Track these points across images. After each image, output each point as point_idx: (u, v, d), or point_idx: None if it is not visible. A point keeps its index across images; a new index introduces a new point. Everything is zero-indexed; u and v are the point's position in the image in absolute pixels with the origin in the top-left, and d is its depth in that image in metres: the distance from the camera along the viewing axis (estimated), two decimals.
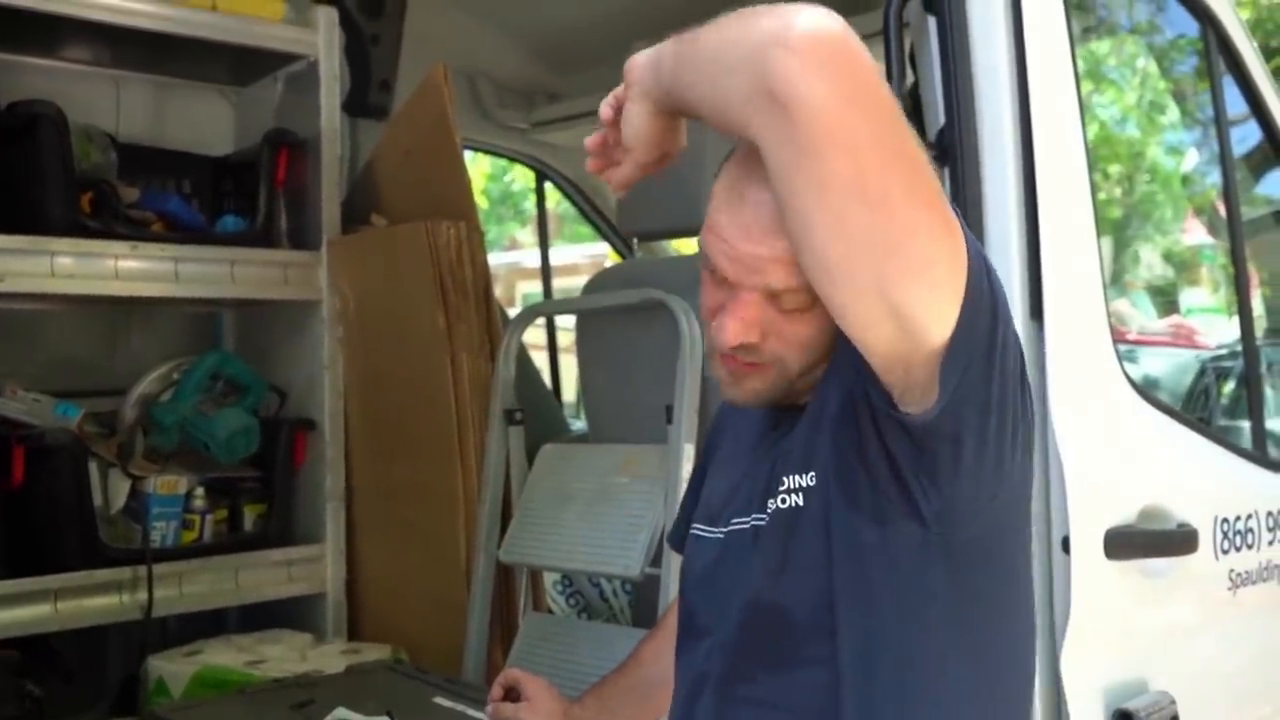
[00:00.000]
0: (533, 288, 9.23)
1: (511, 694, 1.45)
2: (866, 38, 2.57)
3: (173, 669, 2.13)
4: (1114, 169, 7.27)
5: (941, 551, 1.04)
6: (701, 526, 1.24)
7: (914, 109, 1.62)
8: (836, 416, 1.06)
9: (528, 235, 11.59)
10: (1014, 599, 1.12)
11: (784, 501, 1.09)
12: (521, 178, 9.96)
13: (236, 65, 2.61)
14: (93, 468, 2.26)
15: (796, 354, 1.09)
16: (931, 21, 1.59)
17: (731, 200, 1.06)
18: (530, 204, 10.29)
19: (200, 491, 2.41)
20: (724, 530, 1.17)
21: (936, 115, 1.59)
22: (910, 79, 1.64)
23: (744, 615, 1.11)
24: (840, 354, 1.05)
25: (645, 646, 1.45)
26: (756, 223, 1.03)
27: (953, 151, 1.56)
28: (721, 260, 1.06)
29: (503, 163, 9.08)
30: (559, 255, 5.78)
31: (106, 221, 2.27)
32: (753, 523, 1.12)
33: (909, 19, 1.62)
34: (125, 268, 2.25)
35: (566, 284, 4.95)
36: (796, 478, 1.08)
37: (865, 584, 1.04)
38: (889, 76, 1.57)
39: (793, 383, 1.11)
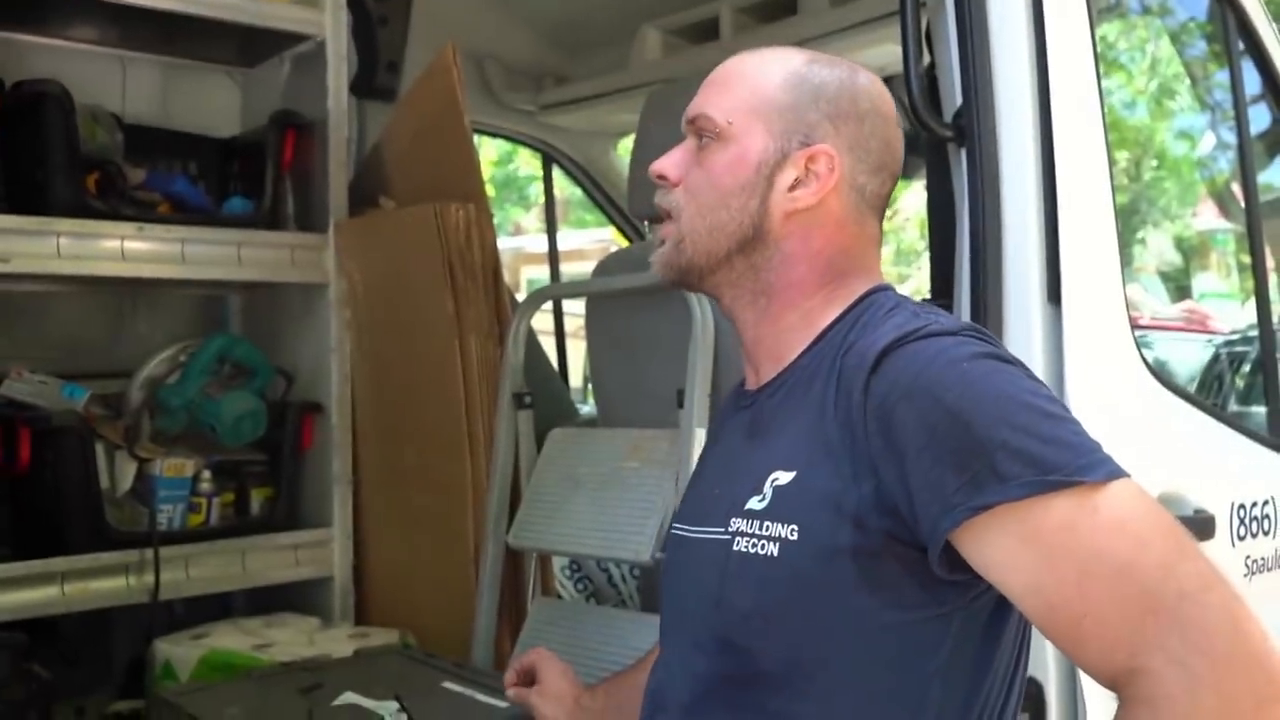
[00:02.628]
0: (537, 273, 9.23)
1: (531, 678, 1.44)
2: (882, 17, 2.54)
3: (180, 652, 2.12)
4: (1122, 154, 7.24)
5: (959, 618, 1.03)
6: (678, 526, 1.23)
7: (930, 90, 1.60)
8: (850, 497, 1.01)
9: (531, 220, 11.58)
10: (1006, 632, 1.08)
11: (755, 546, 1.05)
12: (526, 164, 9.95)
13: (243, 46, 2.59)
14: (99, 450, 2.25)
15: (688, 204, 1.15)
16: (949, 0, 1.57)
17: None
18: (534, 189, 10.34)
19: (207, 474, 2.40)
20: (695, 533, 1.16)
21: (954, 96, 1.57)
22: (927, 59, 1.62)
23: (715, 650, 1.09)
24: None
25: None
26: (720, 73, 1.18)
27: (970, 133, 1.54)
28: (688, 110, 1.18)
29: (508, 148, 9.10)
30: (564, 240, 5.77)
31: (112, 202, 2.26)
32: (720, 537, 1.09)
33: None
34: (131, 249, 2.23)
35: (572, 269, 4.95)
36: (775, 525, 1.04)
37: (862, 657, 1.02)
38: (905, 57, 1.55)
39: (689, 253, 1.15)
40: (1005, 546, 0.94)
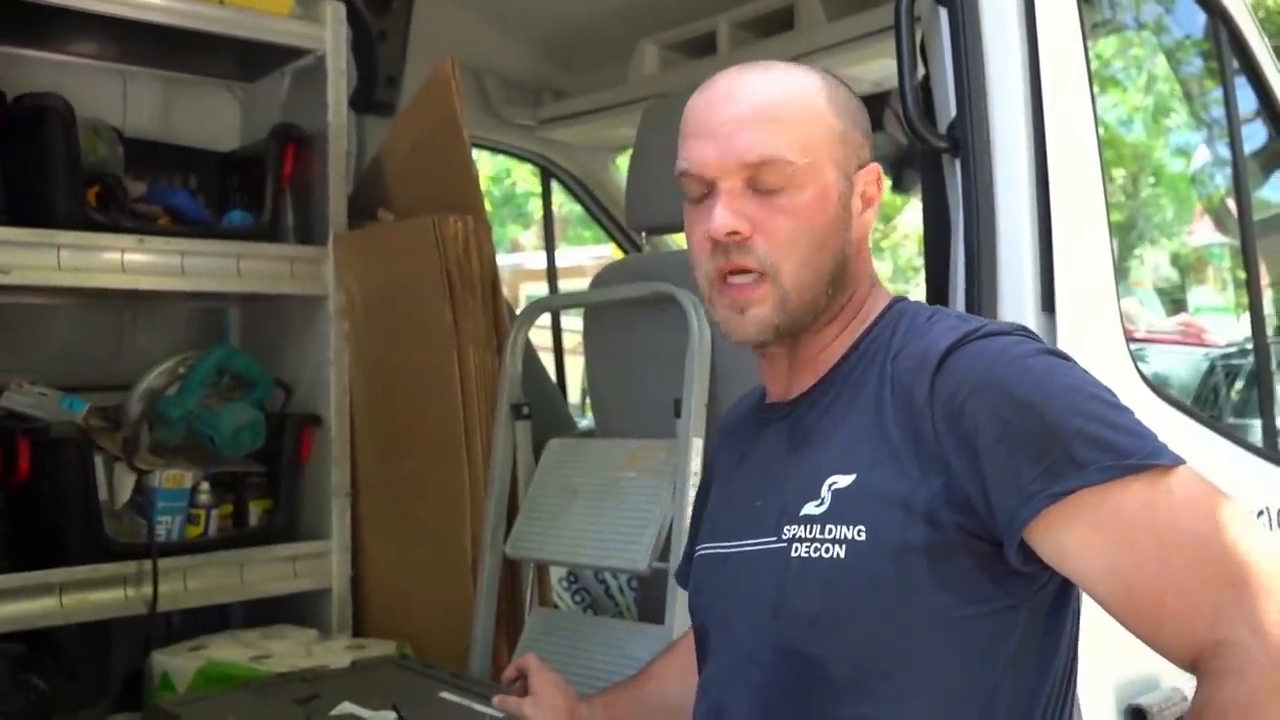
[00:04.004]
0: (536, 289, 9.23)
1: (523, 680, 1.44)
2: (878, 32, 2.56)
3: (177, 664, 2.12)
4: (1119, 171, 7.27)
5: (1025, 609, 1.04)
6: (710, 545, 1.22)
7: (925, 102, 1.61)
8: (920, 495, 1.02)
9: (529, 238, 11.61)
10: (1066, 620, 1.10)
11: (818, 550, 1.05)
12: (523, 180, 9.98)
13: (244, 60, 2.60)
14: (98, 461, 2.25)
15: (787, 257, 1.09)
16: (943, 13, 1.58)
17: (712, 104, 1.11)
18: (532, 206, 10.35)
19: (205, 486, 2.40)
20: (738, 547, 1.15)
21: (948, 107, 1.58)
22: (921, 72, 1.63)
23: (778, 661, 1.08)
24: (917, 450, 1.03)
25: (659, 662, 1.44)
26: (733, 102, 1.09)
27: (964, 144, 1.55)
28: (700, 146, 1.10)
29: (505, 164, 9.12)
30: (562, 257, 5.78)
31: (113, 215, 2.27)
32: (772, 546, 1.09)
33: (920, 12, 1.61)
34: (131, 261, 2.24)
35: (571, 286, 4.95)
36: (839, 528, 1.05)
37: (936, 653, 1.03)
38: (899, 70, 1.56)
39: (794, 306, 1.10)
40: (1082, 532, 0.96)
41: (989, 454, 0.98)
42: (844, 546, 1.04)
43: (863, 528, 1.03)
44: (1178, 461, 0.97)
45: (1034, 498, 0.96)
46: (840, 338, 1.15)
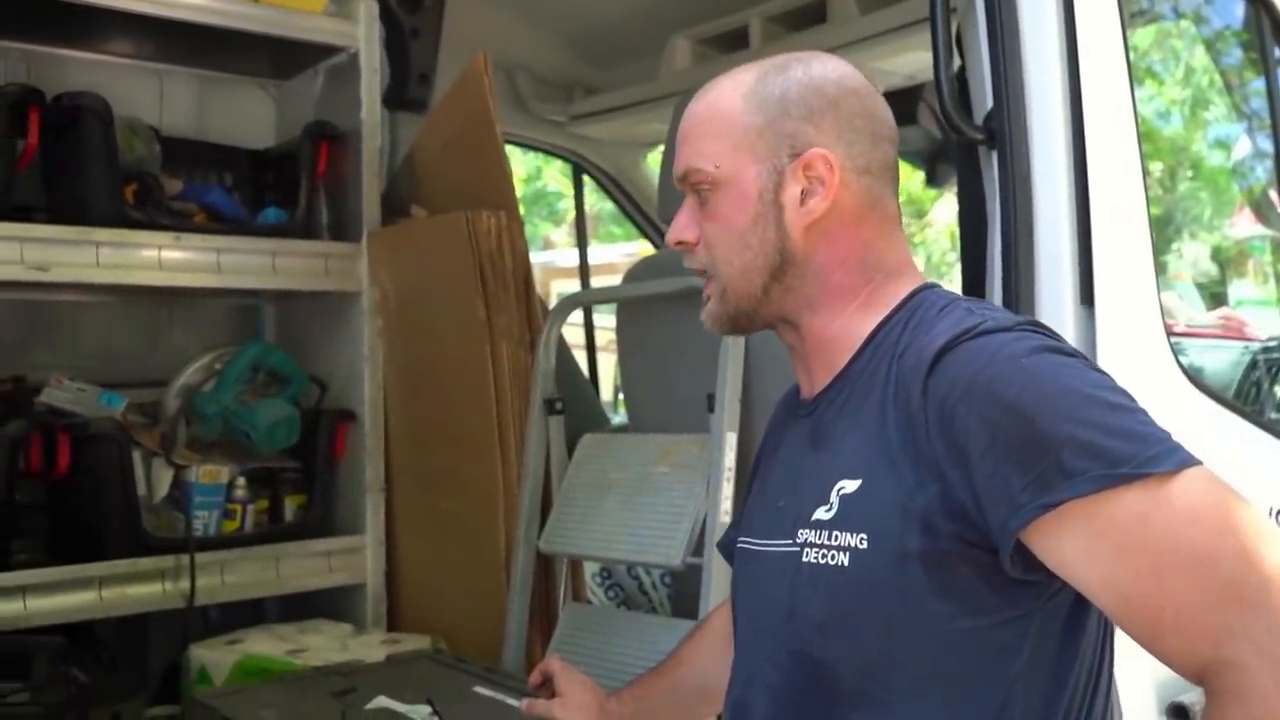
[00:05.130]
0: (567, 287, 9.24)
1: (549, 683, 1.43)
2: (912, 24, 2.52)
3: (214, 657, 2.15)
4: (1157, 165, 7.18)
5: (1037, 619, 1.01)
6: (746, 540, 1.22)
7: (961, 93, 1.59)
8: (917, 501, 1.00)
9: (560, 235, 11.62)
10: (1085, 631, 1.06)
11: (825, 557, 1.04)
12: (554, 179, 9.99)
13: (277, 58, 2.63)
14: (136, 457, 2.28)
15: (716, 257, 1.14)
16: (979, 3, 1.56)
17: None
18: (563, 204, 10.36)
19: (242, 481, 2.42)
20: (763, 546, 1.16)
21: (984, 98, 1.56)
22: (957, 63, 1.61)
23: (791, 664, 1.08)
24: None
25: (685, 647, 1.43)
26: (687, 124, 1.17)
27: (1001, 135, 1.53)
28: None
29: (536, 164, 9.13)
30: (594, 255, 5.78)
31: (150, 213, 2.30)
32: (789, 549, 1.09)
33: (955, 3, 1.59)
34: (168, 258, 2.27)
35: (603, 283, 4.95)
36: (844, 535, 1.03)
37: (940, 664, 1.01)
38: (935, 61, 1.55)
39: (732, 300, 1.14)
40: (1077, 543, 0.93)
41: (979, 462, 0.95)
42: (848, 554, 1.03)
43: (865, 535, 1.02)
44: (1183, 465, 0.91)
45: (1023, 508, 0.93)
46: (850, 334, 1.12)
